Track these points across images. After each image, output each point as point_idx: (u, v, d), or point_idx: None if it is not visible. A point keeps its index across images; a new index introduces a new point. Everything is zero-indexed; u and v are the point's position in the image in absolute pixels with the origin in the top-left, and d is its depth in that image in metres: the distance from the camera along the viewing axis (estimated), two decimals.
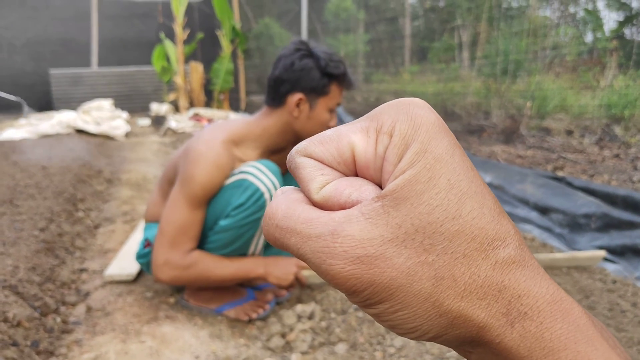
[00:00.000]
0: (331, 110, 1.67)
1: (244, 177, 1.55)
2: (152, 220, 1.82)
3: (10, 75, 10.30)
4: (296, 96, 1.59)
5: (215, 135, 1.59)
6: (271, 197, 1.56)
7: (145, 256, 1.76)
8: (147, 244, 1.75)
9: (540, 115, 4.31)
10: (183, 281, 1.60)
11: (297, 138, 1.70)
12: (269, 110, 1.66)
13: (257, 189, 1.53)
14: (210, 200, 1.59)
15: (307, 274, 1.76)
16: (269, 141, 1.67)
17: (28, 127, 6.38)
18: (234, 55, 9.30)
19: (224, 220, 1.56)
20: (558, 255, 1.86)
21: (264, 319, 1.74)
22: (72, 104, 9.14)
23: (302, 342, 1.56)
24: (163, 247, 1.55)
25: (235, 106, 9.45)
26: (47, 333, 1.55)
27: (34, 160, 4.18)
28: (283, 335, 1.61)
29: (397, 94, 6.24)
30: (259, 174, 1.55)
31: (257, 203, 1.54)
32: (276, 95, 1.62)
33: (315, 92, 1.60)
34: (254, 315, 1.71)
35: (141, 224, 2.35)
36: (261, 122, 1.66)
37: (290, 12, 8.93)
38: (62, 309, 1.76)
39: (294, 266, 1.69)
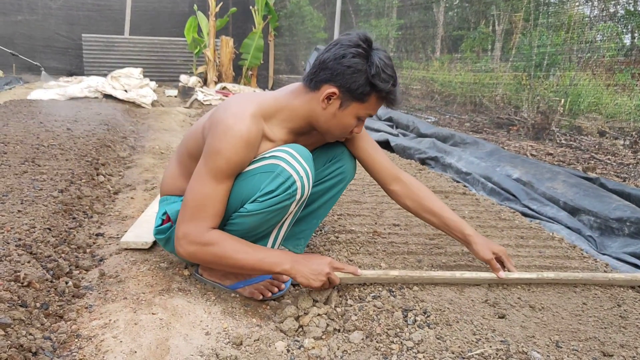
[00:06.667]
0: (359, 118, 1.57)
1: (276, 162, 1.45)
2: (168, 193, 1.75)
3: (43, 37, 10.38)
4: (331, 89, 1.49)
5: (245, 108, 1.48)
6: (302, 185, 1.48)
7: (164, 232, 1.68)
8: (167, 218, 1.67)
9: (573, 114, 4.15)
10: (200, 259, 1.50)
11: (318, 128, 1.61)
12: (303, 89, 1.56)
13: (290, 177, 1.44)
14: (235, 176, 1.49)
15: (342, 275, 1.60)
16: (295, 123, 1.58)
17: (57, 89, 6.41)
18: (265, 32, 9.23)
19: (251, 204, 1.47)
20: (617, 275, 1.77)
21: (278, 299, 1.70)
22: (102, 69, 9.19)
23: (316, 327, 1.50)
24: (184, 220, 1.47)
25: (262, 83, 9.39)
26: (57, 296, 1.52)
27: (60, 121, 4.18)
28: (297, 319, 1.56)
29: (426, 82, 6.12)
30: (292, 160, 1.46)
31: (288, 192, 1.46)
32: (314, 77, 1.51)
33: (351, 94, 1.49)
34: (269, 295, 1.66)
35: (157, 197, 2.31)
36: (291, 101, 1.56)
37: None
38: (75, 272, 1.73)
39: (327, 266, 1.56)
